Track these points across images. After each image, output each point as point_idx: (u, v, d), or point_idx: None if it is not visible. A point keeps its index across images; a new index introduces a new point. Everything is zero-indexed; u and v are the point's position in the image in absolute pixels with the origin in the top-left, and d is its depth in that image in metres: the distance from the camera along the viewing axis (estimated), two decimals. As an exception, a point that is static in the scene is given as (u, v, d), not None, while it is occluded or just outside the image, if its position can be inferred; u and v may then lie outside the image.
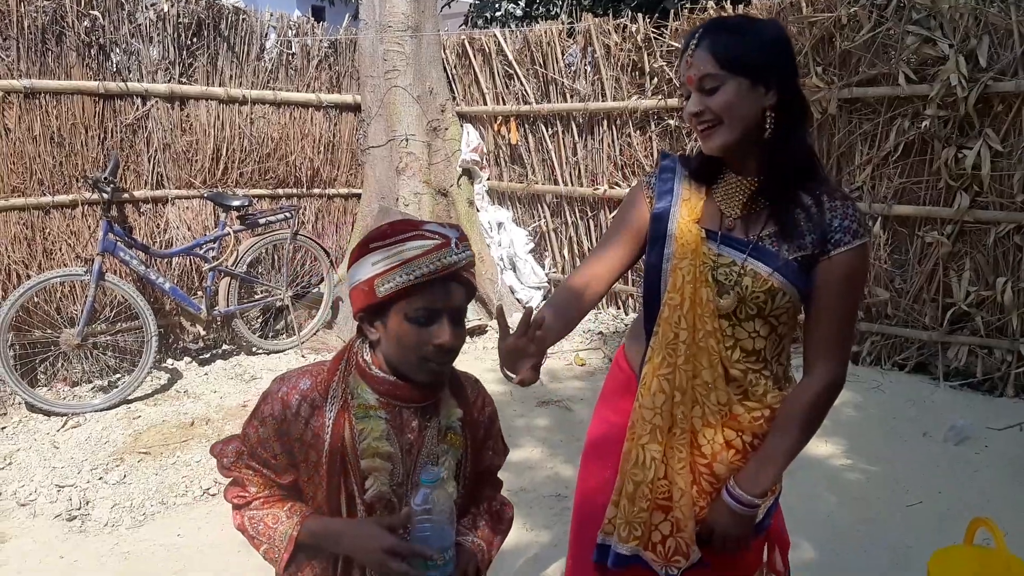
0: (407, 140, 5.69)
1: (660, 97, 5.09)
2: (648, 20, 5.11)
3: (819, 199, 1.45)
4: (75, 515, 3.41)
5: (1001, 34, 3.89)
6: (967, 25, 3.93)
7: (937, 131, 4.07)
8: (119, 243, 4.43)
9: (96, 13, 4.49)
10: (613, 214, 5.02)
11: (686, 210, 1.54)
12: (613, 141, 5.43)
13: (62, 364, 4.65)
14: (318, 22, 5.83)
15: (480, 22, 8.28)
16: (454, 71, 6.12)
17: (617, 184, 5.47)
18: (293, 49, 5.50)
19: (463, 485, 1.45)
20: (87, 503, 3.49)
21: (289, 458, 1.37)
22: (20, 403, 4.39)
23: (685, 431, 1.53)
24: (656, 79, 5.11)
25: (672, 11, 5.10)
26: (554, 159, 5.79)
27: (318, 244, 5.37)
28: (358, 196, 5.95)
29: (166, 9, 4.74)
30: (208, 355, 5.22)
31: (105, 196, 4.45)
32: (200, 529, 3.29)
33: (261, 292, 5.29)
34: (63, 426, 4.20)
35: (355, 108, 5.84)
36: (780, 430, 1.50)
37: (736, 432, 1.53)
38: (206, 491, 3.60)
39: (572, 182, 5.74)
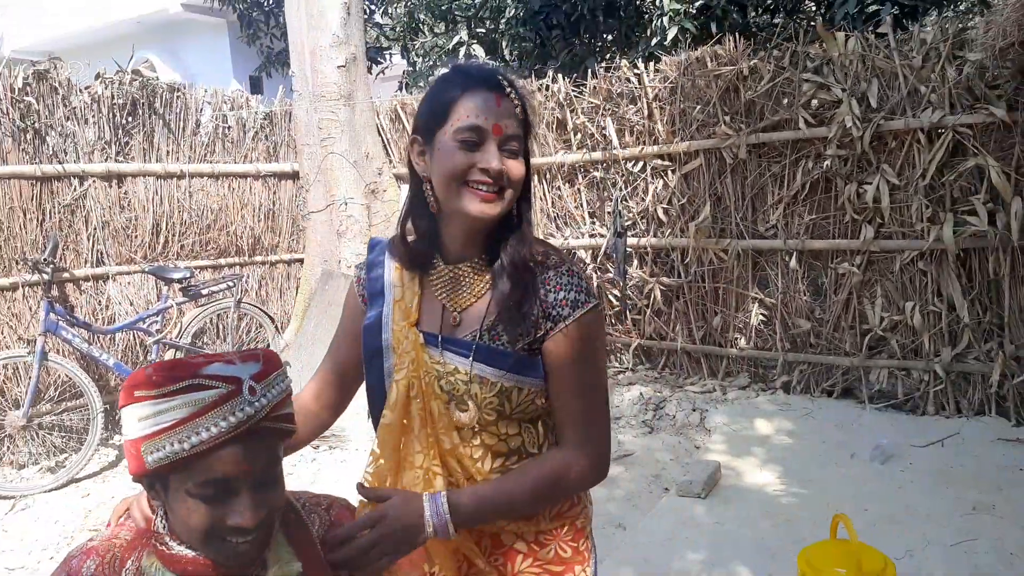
0: (346, 204, 5.85)
1: (584, 151, 5.34)
2: (568, 80, 5.39)
3: (532, 269, 1.27)
4: (23, 599, 3.40)
5: (888, 76, 4.23)
6: (857, 70, 4.27)
7: (838, 169, 4.37)
8: (61, 322, 4.46)
9: (31, 99, 4.59)
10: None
11: (399, 313, 1.33)
12: (545, 194, 5.66)
13: (7, 447, 4.62)
14: (256, 93, 6.00)
15: (414, 89, 8.57)
16: (389, 135, 6.33)
17: (551, 235, 5.68)
18: (229, 122, 5.65)
19: None
20: (36, 586, 3.49)
21: None
22: (-37, 489, 4.35)
23: None
24: (580, 135, 5.38)
25: (590, 70, 5.39)
26: (490, 214, 5.99)
27: (262, 311, 5.46)
28: (301, 261, 6.06)
29: (100, 91, 4.86)
30: (156, 428, 5.22)
31: (45, 277, 4.49)
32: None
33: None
34: (11, 509, 4.17)
35: (293, 176, 5.99)
36: (514, 475, 1.29)
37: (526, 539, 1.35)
38: (157, 565, 3.61)
39: (509, 235, 5.94)
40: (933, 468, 3.87)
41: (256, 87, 14.12)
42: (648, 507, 3.79)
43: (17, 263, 4.61)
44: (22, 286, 4.63)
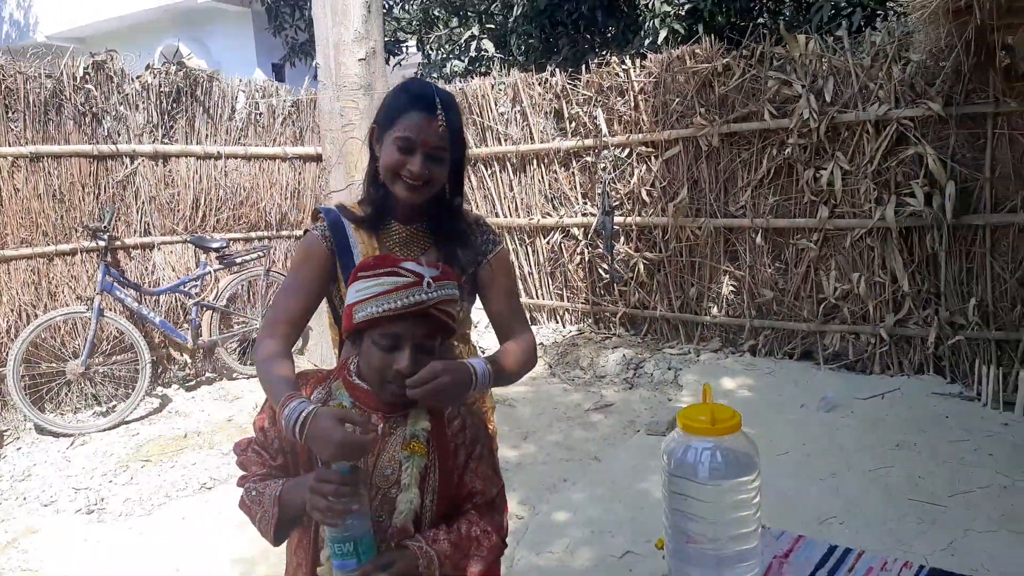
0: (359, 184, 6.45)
1: (578, 138, 5.94)
2: (565, 74, 5.98)
3: (462, 229, 1.80)
4: (93, 509, 4.05)
5: (843, 74, 4.79)
6: (815, 69, 4.83)
7: (798, 156, 4.94)
8: (115, 283, 5.12)
9: (90, 87, 5.23)
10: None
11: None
12: (542, 177, 6.27)
13: (66, 392, 5.28)
14: (279, 80, 6.59)
15: (429, 79, 9.17)
16: (403, 122, 6.93)
17: (548, 214, 6.29)
18: (260, 109, 6.27)
19: (433, 499, 1.48)
20: (102, 500, 4.13)
21: (280, 444, 1.53)
22: (30, 427, 5.02)
23: None
24: (574, 123, 5.97)
25: (584, 65, 5.97)
26: (494, 195, 6.61)
27: (288, 279, 6.08)
28: (322, 236, 6.67)
29: (149, 80, 5.49)
30: (194, 382, 5.87)
31: (102, 243, 5.15)
32: (201, 514, 3.94)
33: (239, 324, 5.97)
34: (71, 444, 4.83)
35: (317, 158, 6.60)
36: (504, 353, 1.73)
37: None
38: (203, 485, 4.26)
39: (510, 214, 6.56)
40: (870, 416, 4.45)
41: (279, 75, 14.67)
42: (621, 444, 4.41)
43: (76, 231, 5.27)
44: (80, 251, 5.28)
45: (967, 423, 4.23)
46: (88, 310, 4.97)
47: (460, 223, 1.81)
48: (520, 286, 1.85)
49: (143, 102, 5.54)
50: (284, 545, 1.58)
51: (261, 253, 5.85)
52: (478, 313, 1.98)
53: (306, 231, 1.82)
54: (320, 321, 5.82)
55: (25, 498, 4.21)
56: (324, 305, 1.87)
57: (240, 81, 6.15)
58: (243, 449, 1.57)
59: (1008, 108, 4.22)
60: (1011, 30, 3.81)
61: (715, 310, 5.60)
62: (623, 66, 5.62)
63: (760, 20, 7.09)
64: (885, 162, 4.68)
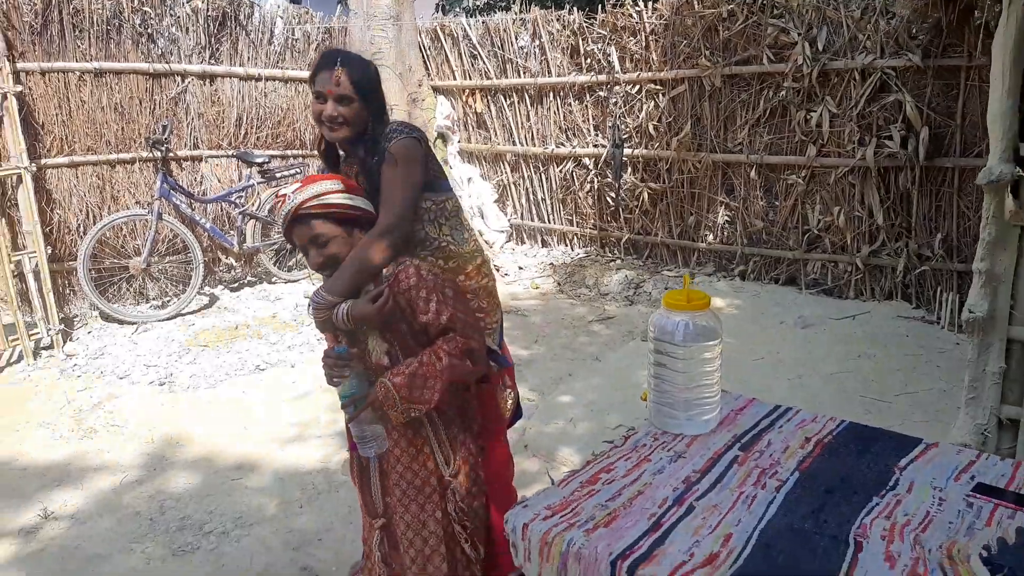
0: (391, 110, 6.94)
1: (592, 74, 6.42)
2: (582, 12, 6.42)
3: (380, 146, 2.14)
4: (164, 382, 4.70)
5: (835, 25, 5.25)
6: (811, 18, 5.29)
7: (792, 99, 5.44)
8: (171, 190, 5.69)
9: (146, 8, 5.70)
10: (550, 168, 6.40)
11: None
12: (558, 109, 6.77)
13: (126, 287, 5.90)
14: (297, 2, 6.99)
15: (450, 11, 9.54)
16: (428, 52, 7.39)
17: (562, 144, 6.82)
18: (296, 35, 6.72)
19: (398, 340, 2.03)
20: (170, 375, 4.79)
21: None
22: (96, 315, 5.65)
23: None
24: (589, 60, 6.44)
25: (600, 4, 6.41)
26: (512, 125, 7.11)
27: (321, 194, 6.64)
28: (351, 156, 7.20)
29: (199, 4, 5.95)
30: (237, 284, 6.50)
31: (159, 154, 5.69)
32: (257, 388, 4.60)
33: (277, 233, 6.55)
34: (136, 331, 5.48)
35: (347, 83, 7.07)
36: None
37: None
38: (256, 367, 4.90)
39: (527, 143, 7.08)
40: (840, 333, 5.07)
41: (295, -1, 14.93)
42: (619, 348, 5.05)
43: (135, 142, 5.80)
44: (139, 160, 5.83)
45: (924, 341, 4.85)
46: (148, 213, 5.55)
47: (377, 145, 2.14)
48: (415, 174, 2.15)
49: (192, 25, 6.00)
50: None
51: (298, 169, 6.39)
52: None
53: None
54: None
55: (102, 372, 4.86)
56: None
57: (279, 8, 6.59)
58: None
59: (980, 63, 4.70)
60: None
61: (711, 237, 6.18)
62: (636, 8, 6.06)
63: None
64: (868, 107, 5.19)
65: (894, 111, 5.13)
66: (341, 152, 2.29)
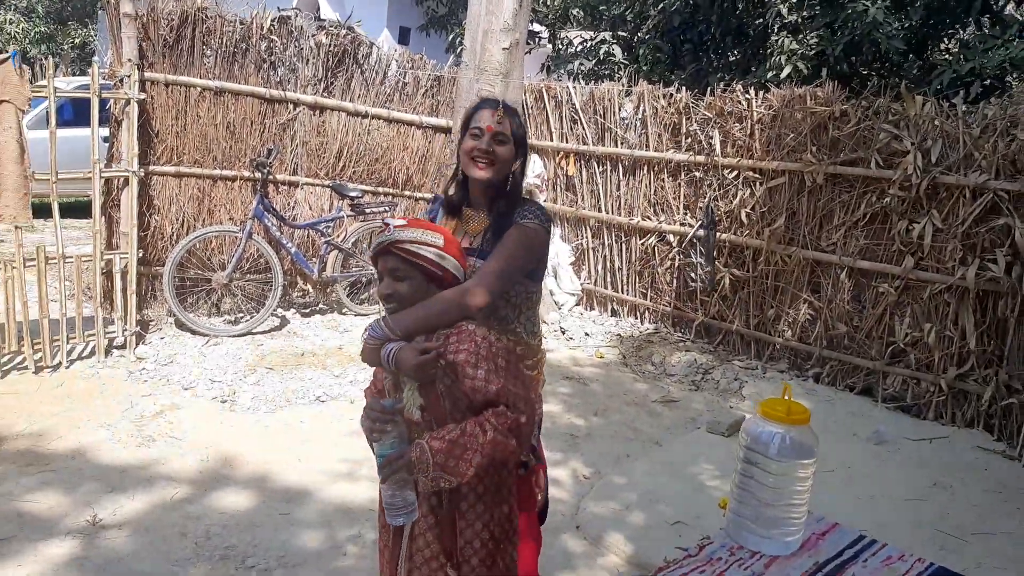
0: (486, 161, 7.05)
1: (691, 153, 6.40)
2: (690, 92, 6.43)
3: (512, 212, 2.16)
4: (226, 400, 4.77)
5: (951, 139, 5.12)
6: (926, 130, 5.17)
7: (896, 207, 5.30)
8: (265, 212, 5.85)
9: (274, 37, 5.95)
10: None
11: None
12: (650, 183, 6.75)
13: (204, 300, 6.06)
14: (403, 44, 7.19)
15: (554, 73, 9.71)
16: (530, 110, 7.50)
17: (648, 217, 6.78)
18: (407, 79, 6.92)
19: (432, 397, 1.92)
20: (233, 393, 4.85)
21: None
22: (171, 322, 5.81)
23: None
24: (689, 139, 6.43)
25: (710, 88, 6.41)
26: (600, 191, 7.13)
27: (406, 234, 6.74)
28: (439, 201, 7.32)
29: (323, 40, 6.19)
30: (308, 311, 6.61)
31: (260, 175, 5.88)
32: (316, 419, 4.62)
33: (356, 266, 6.66)
34: (206, 343, 5.59)
35: (447, 130, 7.23)
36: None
37: None
38: (317, 398, 4.93)
39: (612, 211, 7.07)
40: (915, 456, 4.83)
41: (404, 38, 15.42)
42: (681, 435, 4.91)
43: (239, 161, 6.01)
44: (240, 179, 6.03)
45: (1004, 478, 4.57)
46: (240, 231, 5.71)
47: (513, 209, 2.17)
48: (531, 260, 2.19)
49: (313, 57, 6.24)
50: None
51: (387, 208, 6.51)
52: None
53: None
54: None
55: (168, 380, 4.97)
56: None
57: (395, 51, 6.80)
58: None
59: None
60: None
61: (788, 333, 6.02)
62: (746, 95, 6.04)
63: (883, 74, 7.37)
64: (975, 226, 5.01)
65: (1002, 235, 4.94)
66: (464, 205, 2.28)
